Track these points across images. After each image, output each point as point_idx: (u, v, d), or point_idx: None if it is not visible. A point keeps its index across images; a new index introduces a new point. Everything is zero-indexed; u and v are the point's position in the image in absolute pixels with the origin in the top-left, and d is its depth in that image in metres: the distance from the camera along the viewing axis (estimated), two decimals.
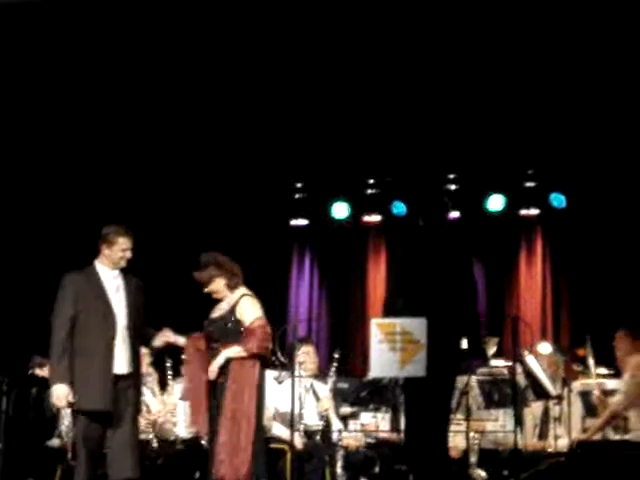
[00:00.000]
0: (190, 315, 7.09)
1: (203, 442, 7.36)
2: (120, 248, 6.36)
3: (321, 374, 8.15)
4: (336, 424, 7.90)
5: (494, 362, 7.83)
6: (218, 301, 6.77)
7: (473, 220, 9.73)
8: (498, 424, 7.53)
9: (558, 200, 9.92)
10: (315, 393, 7.96)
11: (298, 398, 7.47)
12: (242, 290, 6.75)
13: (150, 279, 6.88)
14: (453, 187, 10.02)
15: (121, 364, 6.27)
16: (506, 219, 10.09)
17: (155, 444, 7.58)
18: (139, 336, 6.43)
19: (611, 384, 7.55)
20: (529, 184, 9.96)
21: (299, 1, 8.14)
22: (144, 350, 7.41)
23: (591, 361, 7.62)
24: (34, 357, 8.00)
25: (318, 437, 7.74)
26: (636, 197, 9.42)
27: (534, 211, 10.06)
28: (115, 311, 6.30)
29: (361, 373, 8.39)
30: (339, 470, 7.66)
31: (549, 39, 8.55)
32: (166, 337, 6.58)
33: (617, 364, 7.57)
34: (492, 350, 7.80)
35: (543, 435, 7.79)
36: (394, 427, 7.88)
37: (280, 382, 7.73)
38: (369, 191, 10.40)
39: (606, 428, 7.43)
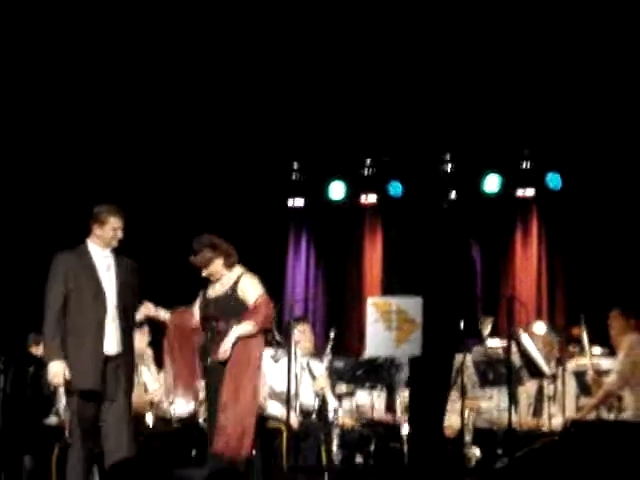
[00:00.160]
0: (184, 295, 7.10)
1: (200, 420, 7.42)
2: (111, 227, 6.36)
3: (317, 353, 8.18)
4: (332, 403, 7.94)
5: (489, 342, 7.86)
6: (210, 281, 6.79)
7: (469, 200, 9.74)
8: (493, 403, 7.58)
9: (554, 180, 9.93)
10: (311, 372, 7.99)
11: (294, 377, 7.51)
12: (239, 269, 6.79)
13: (146, 260, 6.92)
14: (449, 167, 10.02)
15: (111, 344, 6.29)
16: (502, 199, 10.10)
17: (151, 422, 7.60)
18: (131, 316, 6.45)
19: (605, 363, 7.58)
20: (525, 164, 9.96)
21: None
22: (144, 329, 7.45)
23: (585, 340, 7.64)
24: (30, 335, 8.02)
25: (314, 416, 7.79)
26: (632, 178, 9.44)
27: (530, 191, 10.07)
28: (105, 290, 6.30)
29: (357, 352, 8.42)
30: (335, 448, 7.69)
31: (546, 19, 8.56)
32: (147, 310, 6.64)
33: (611, 343, 7.60)
34: (487, 330, 7.84)
35: (537, 414, 7.83)
36: (389, 406, 7.92)
37: (276, 361, 7.77)
38: (366, 171, 10.39)
39: (600, 407, 7.47)
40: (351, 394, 8.05)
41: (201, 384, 7.02)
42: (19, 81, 9.04)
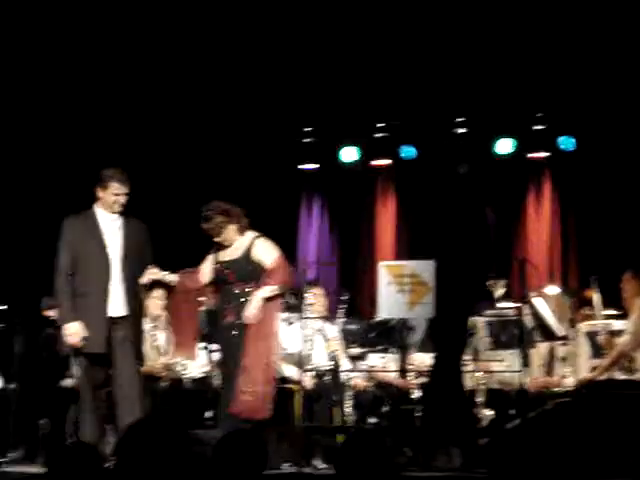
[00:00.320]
0: (194, 259, 7.10)
1: (214, 382, 7.47)
2: (112, 192, 6.38)
3: (330, 316, 8.22)
4: (345, 365, 7.98)
5: (501, 304, 7.88)
6: (220, 245, 6.80)
7: (482, 163, 9.72)
8: (505, 364, 7.60)
9: (567, 143, 9.89)
10: (324, 334, 8.04)
11: (308, 339, 7.56)
12: (252, 233, 6.80)
13: (157, 225, 6.94)
14: (461, 131, 9.99)
15: (117, 306, 6.34)
16: (514, 162, 10.07)
17: (166, 384, 7.66)
18: (138, 279, 6.47)
19: (618, 325, 7.59)
20: (538, 127, 9.93)
21: None
22: (159, 292, 7.49)
23: (598, 302, 7.65)
24: (44, 299, 8.07)
25: (327, 377, 7.84)
26: None
27: (543, 154, 10.05)
28: (110, 254, 6.34)
29: (370, 315, 8.45)
30: (348, 410, 7.75)
31: None
32: (152, 274, 6.60)
33: (624, 305, 7.61)
34: (500, 292, 7.87)
35: (549, 375, 7.85)
36: (402, 369, 7.96)
37: (290, 324, 7.82)
38: (378, 135, 10.37)
39: (613, 368, 7.48)
40: (363, 356, 8.09)
41: (209, 346, 7.13)
42: (31, 54, 9.05)
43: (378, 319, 7.86)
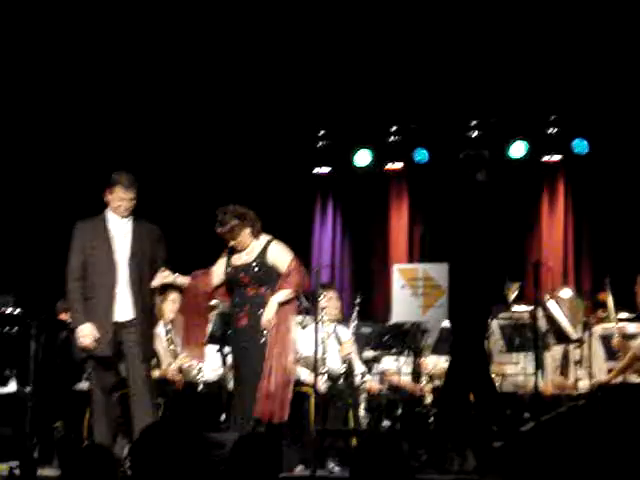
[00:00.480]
0: (208, 263, 7.11)
1: (229, 385, 7.49)
2: (118, 197, 6.39)
3: (344, 319, 8.23)
4: (359, 368, 7.99)
5: (515, 307, 7.88)
6: (234, 248, 6.81)
7: (496, 166, 9.72)
8: (519, 367, 7.60)
9: (581, 146, 9.88)
10: (338, 338, 8.05)
11: (321, 342, 7.57)
12: (266, 236, 6.81)
13: (172, 228, 6.95)
14: (475, 134, 10.00)
15: (124, 310, 6.37)
16: (528, 164, 10.07)
17: (181, 387, 7.68)
18: (148, 283, 6.47)
19: (632, 328, 7.58)
20: (551, 130, 9.92)
21: None
22: (174, 295, 7.52)
23: (611, 305, 7.64)
24: (59, 302, 8.10)
25: (341, 381, 7.85)
26: None
27: (557, 157, 10.04)
28: (118, 258, 6.37)
29: (383, 318, 8.46)
30: (362, 413, 7.77)
31: None
32: (163, 277, 6.57)
33: (638, 308, 7.60)
34: (513, 295, 7.86)
35: (564, 378, 7.85)
36: (415, 372, 7.96)
37: (304, 327, 7.83)
38: (391, 138, 10.38)
39: (627, 371, 7.48)
40: (377, 359, 8.10)
41: (223, 349, 7.16)
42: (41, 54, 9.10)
43: (392, 322, 7.86)
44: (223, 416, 7.50)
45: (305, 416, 7.38)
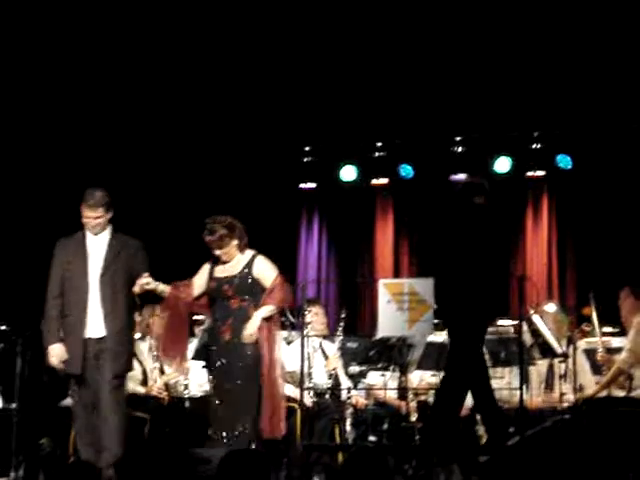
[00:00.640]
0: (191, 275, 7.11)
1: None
2: (84, 215, 6.44)
3: (330, 334, 8.24)
4: (345, 383, 8.01)
5: (500, 321, 7.91)
6: (217, 260, 6.80)
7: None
8: (504, 382, 7.62)
9: (564, 161, 9.95)
10: (324, 352, 8.06)
11: (307, 358, 7.58)
12: (251, 251, 6.82)
13: (157, 241, 6.94)
14: (460, 149, 10.06)
15: (96, 327, 6.37)
16: (513, 180, 10.12)
17: (167, 403, 7.67)
18: (121, 299, 6.43)
19: (616, 342, 7.62)
20: (535, 146, 9.99)
21: None
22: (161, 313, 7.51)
23: (595, 319, 7.68)
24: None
25: (327, 396, 7.86)
26: None
27: (540, 172, 10.10)
28: (90, 274, 6.38)
29: (369, 333, 8.47)
30: (348, 428, 7.78)
31: (554, 0, 8.58)
32: (144, 283, 6.51)
33: (622, 322, 7.64)
34: None
35: (548, 392, 7.88)
36: (401, 387, 7.97)
37: (289, 343, 7.84)
38: (377, 154, 10.43)
39: (611, 386, 7.51)
40: (363, 374, 8.11)
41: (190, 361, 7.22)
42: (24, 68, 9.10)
43: (378, 337, 7.88)
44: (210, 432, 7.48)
45: (291, 431, 7.38)
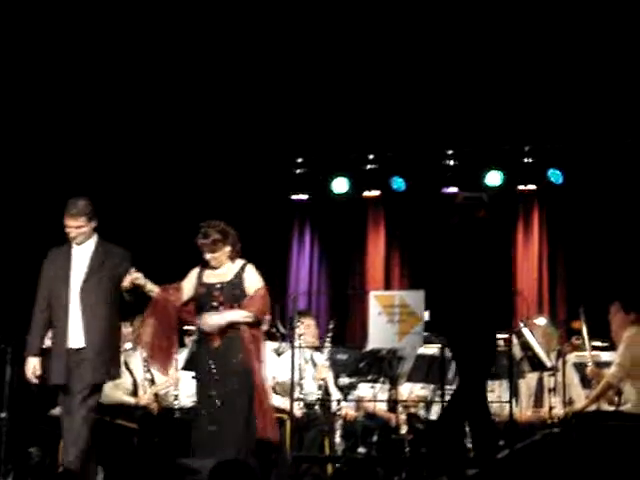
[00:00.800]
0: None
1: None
2: (66, 224, 6.41)
3: (321, 345, 8.24)
4: (335, 394, 8.01)
5: None
6: (206, 266, 6.77)
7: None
8: (494, 395, 7.64)
9: (555, 176, 9.99)
10: (314, 363, 8.07)
11: (298, 369, 7.58)
12: (241, 260, 6.81)
13: (147, 251, 6.92)
14: (452, 163, 10.09)
15: (77, 338, 6.35)
16: (504, 193, 10.15)
17: (157, 413, 7.67)
18: (103, 310, 6.39)
19: (605, 356, 7.64)
20: (527, 160, 10.03)
21: None
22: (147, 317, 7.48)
23: (585, 333, 7.70)
24: None
25: (317, 407, 7.86)
26: (632, 172, 9.51)
27: (532, 186, 10.14)
28: (72, 284, 6.36)
29: (360, 345, 8.48)
30: (338, 439, 7.78)
31: (547, 15, 8.62)
32: (134, 278, 6.44)
33: (612, 337, 7.66)
34: None
35: (538, 406, 7.90)
36: (391, 399, 7.98)
37: (279, 354, 7.84)
38: (369, 166, 10.46)
39: (601, 400, 7.52)
40: (353, 386, 8.11)
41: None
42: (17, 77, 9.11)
43: (368, 349, 7.89)
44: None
45: (281, 442, 7.37)
